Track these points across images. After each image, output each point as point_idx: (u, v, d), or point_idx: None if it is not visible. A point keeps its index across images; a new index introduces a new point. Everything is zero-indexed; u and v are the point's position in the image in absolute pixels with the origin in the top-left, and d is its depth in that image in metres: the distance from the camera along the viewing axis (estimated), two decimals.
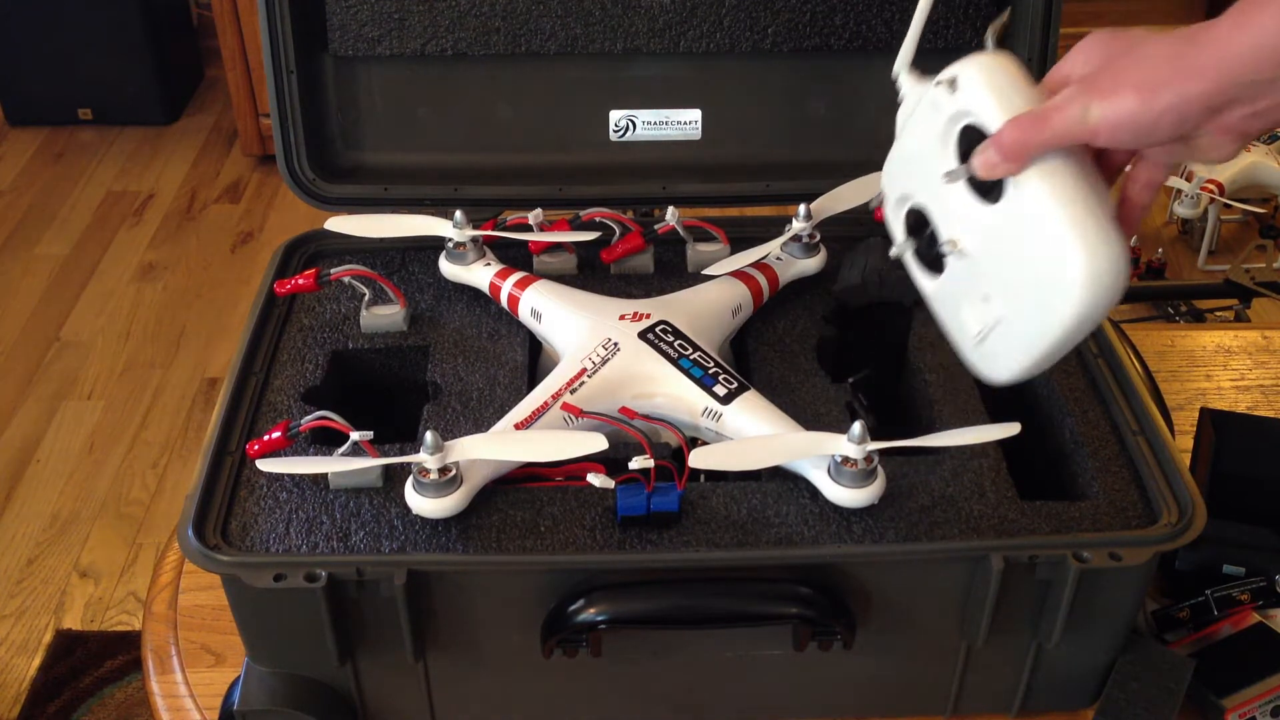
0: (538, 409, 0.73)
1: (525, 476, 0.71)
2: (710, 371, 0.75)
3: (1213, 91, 0.56)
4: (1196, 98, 0.56)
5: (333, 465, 0.69)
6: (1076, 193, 0.58)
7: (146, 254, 2.73)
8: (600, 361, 0.76)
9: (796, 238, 0.87)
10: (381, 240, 0.89)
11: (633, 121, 0.96)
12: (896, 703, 0.74)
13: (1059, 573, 0.65)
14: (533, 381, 0.78)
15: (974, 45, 0.93)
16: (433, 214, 0.87)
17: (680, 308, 0.81)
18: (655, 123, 0.96)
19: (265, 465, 0.69)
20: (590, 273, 0.89)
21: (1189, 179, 2.41)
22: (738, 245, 0.87)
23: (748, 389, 0.74)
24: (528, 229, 0.87)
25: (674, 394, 0.75)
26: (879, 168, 0.90)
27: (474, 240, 0.86)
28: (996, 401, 0.78)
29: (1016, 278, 0.60)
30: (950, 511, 0.69)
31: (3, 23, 2.97)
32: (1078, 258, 0.56)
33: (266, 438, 0.71)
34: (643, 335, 0.78)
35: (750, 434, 0.72)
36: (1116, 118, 0.58)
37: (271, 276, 0.86)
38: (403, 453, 0.69)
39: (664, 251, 0.91)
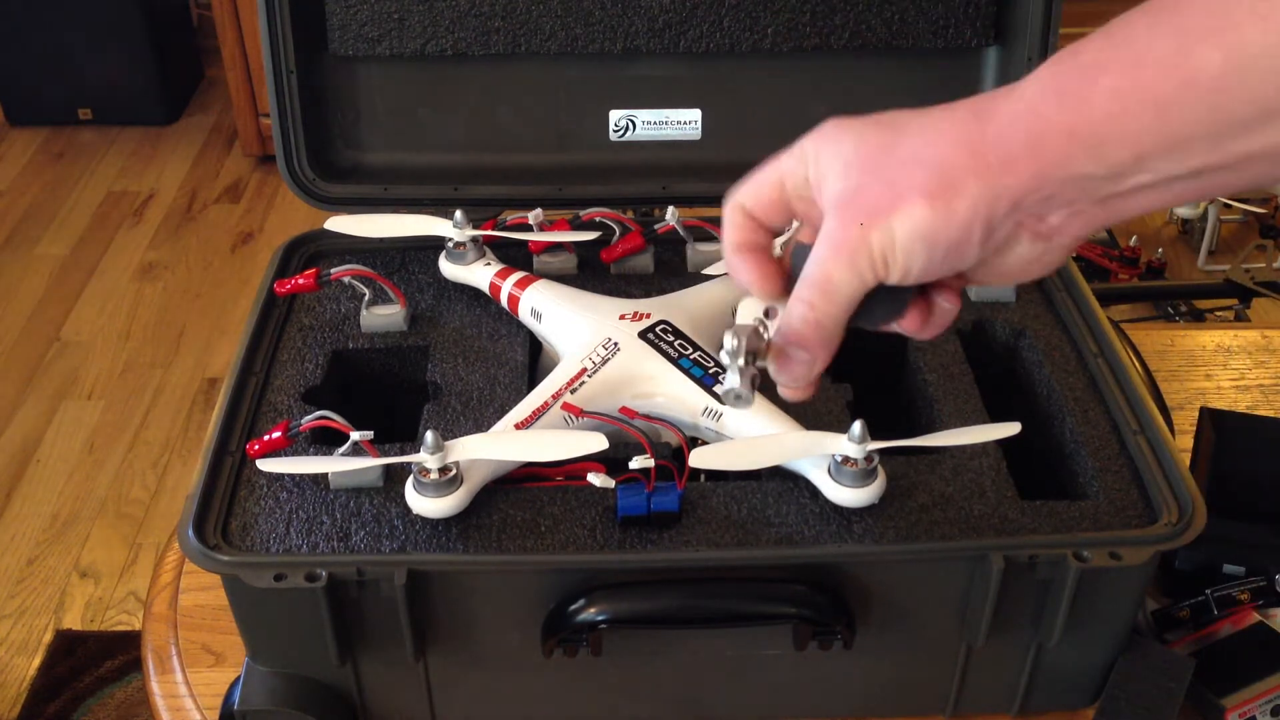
0: (538, 409, 0.73)
1: (525, 476, 0.71)
2: (710, 371, 0.75)
3: (1030, 187, 0.45)
4: (1008, 195, 0.45)
5: (333, 465, 0.69)
6: None
7: (146, 254, 2.73)
8: (600, 361, 0.76)
9: None
10: (381, 240, 0.89)
11: (633, 121, 0.96)
12: (896, 703, 0.74)
13: (1059, 572, 0.65)
14: (533, 381, 0.78)
15: (974, 45, 0.94)
16: (433, 214, 0.87)
17: (680, 308, 0.81)
18: (655, 123, 0.96)
19: (265, 465, 0.69)
20: (590, 273, 0.89)
21: None
22: None
23: None
24: (528, 229, 0.87)
25: (674, 394, 0.75)
26: None
27: (474, 240, 0.86)
28: (996, 401, 0.79)
29: None
30: (950, 511, 0.69)
31: (3, 23, 2.97)
32: None
33: (266, 438, 0.71)
34: (643, 335, 0.78)
35: (750, 434, 0.72)
36: (908, 239, 0.45)
37: (271, 276, 0.86)
38: (403, 453, 0.69)
39: (664, 251, 0.91)
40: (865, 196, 0.47)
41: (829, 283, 0.48)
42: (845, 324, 0.51)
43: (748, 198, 0.54)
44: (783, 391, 0.55)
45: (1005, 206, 0.45)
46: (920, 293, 0.52)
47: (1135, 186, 0.44)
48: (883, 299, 0.50)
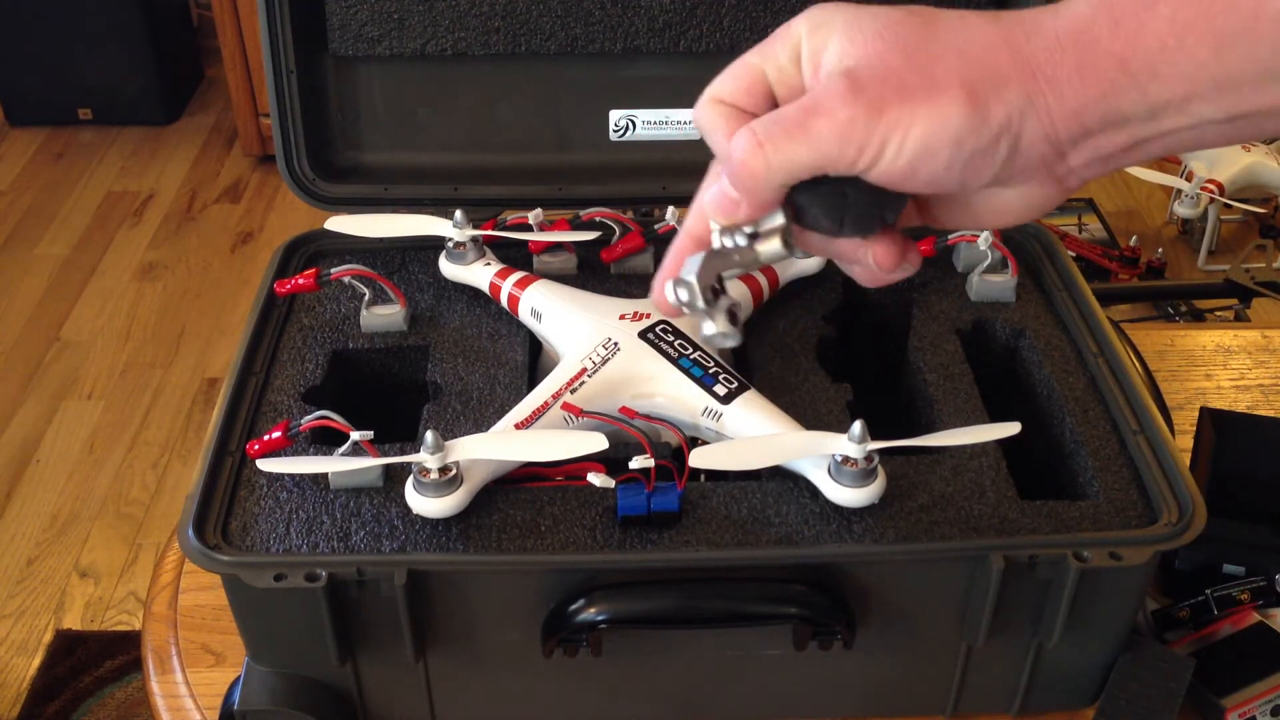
0: (538, 409, 0.73)
1: (525, 476, 0.71)
2: (710, 371, 0.75)
3: (1071, 115, 0.40)
4: (1046, 116, 0.40)
5: (333, 465, 0.69)
6: None
7: (146, 254, 2.73)
8: (600, 361, 0.76)
9: None
10: (381, 240, 0.89)
11: (633, 121, 0.96)
12: (896, 703, 0.74)
13: (1059, 572, 0.65)
14: (533, 381, 0.78)
15: None
16: (433, 214, 0.88)
17: None
18: (655, 123, 0.96)
19: (265, 465, 0.69)
20: (590, 273, 0.89)
21: (1189, 179, 2.41)
22: None
23: (748, 389, 0.74)
24: (528, 229, 0.87)
25: (674, 394, 0.75)
26: None
27: (474, 240, 0.86)
28: (996, 401, 0.79)
29: None
30: (950, 511, 0.69)
31: (3, 23, 2.97)
32: None
33: (266, 438, 0.71)
34: (643, 335, 0.78)
35: (750, 434, 0.72)
36: (932, 136, 0.40)
37: (271, 276, 0.86)
38: (403, 453, 0.69)
39: (664, 251, 0.90)
40: (892, 76, 0.40)
41: (803, 130, 0.42)
42: (785, 188, 0.44)
43: (722, 88, 0.47)
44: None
45: (1039, 129, 0.41)
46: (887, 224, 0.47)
47: (1168, 130, 0.41)
48: (868, 198, 0.44)
